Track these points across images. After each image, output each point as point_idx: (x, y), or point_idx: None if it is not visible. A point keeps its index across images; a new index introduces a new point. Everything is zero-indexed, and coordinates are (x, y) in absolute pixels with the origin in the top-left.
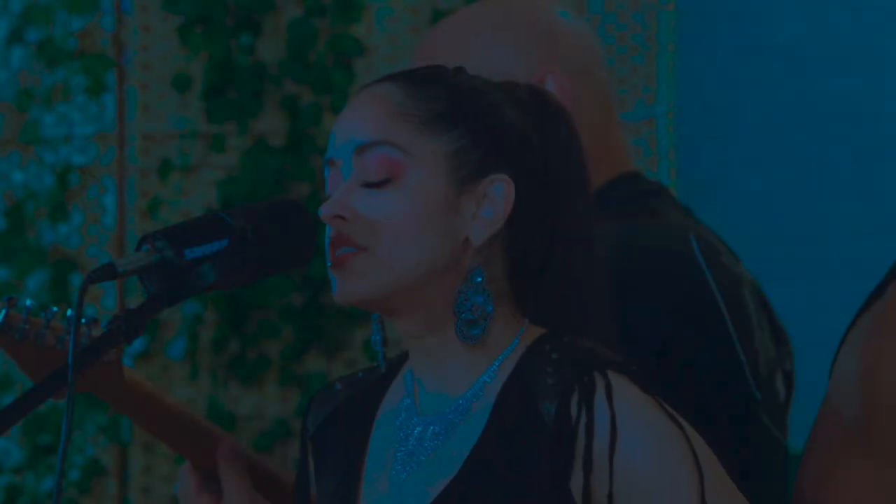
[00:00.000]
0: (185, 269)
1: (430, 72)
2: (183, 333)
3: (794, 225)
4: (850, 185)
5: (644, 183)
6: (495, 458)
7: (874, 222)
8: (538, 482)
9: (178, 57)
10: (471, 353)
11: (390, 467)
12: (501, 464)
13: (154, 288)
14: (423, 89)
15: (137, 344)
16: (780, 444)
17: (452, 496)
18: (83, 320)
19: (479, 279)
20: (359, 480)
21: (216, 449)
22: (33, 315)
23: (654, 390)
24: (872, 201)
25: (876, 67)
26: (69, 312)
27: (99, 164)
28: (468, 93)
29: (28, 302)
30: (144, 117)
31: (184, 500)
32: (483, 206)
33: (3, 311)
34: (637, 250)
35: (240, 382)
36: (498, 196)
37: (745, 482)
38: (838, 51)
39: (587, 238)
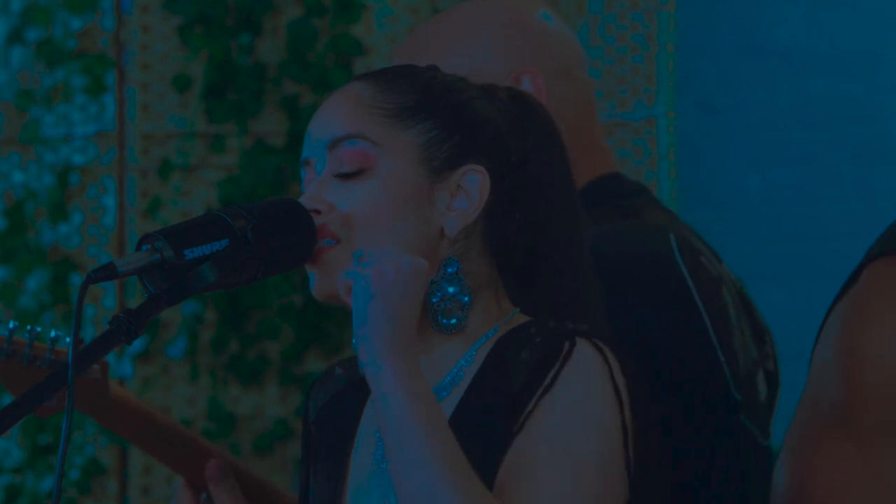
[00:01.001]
0: (185, 269)
1: (401, 69)
2: (183, 333)
3: (794, 225)
4: (849, 185)
5: (625, 184)
6: (464, 436)
7: (873, 222)
8: (500, 454)
9: (178, 57)
10: (449, 342)
11: (373, 455)
12: (469, 441)
13: (154, 288)
14: (393, 84)
15: (137, 344)
16: (761, 444)
17: None
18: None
19: (452, 270)
20: (346, 468)
21: (205, 463)
22: (17, 335)
23: (625, 365)
24: (872, 201)
25: (875, 67)
26: (52, 333)
27: (99, 164)
28: (440, 87)
29: (11, 324)
30: (144, 117)
31: None
32: (457, 197)
33: None
34: (616, 250)
35: (240, 382)
36: (472, 187)
37: (725, 480)
38: (838, 51)
39: (574, 235)
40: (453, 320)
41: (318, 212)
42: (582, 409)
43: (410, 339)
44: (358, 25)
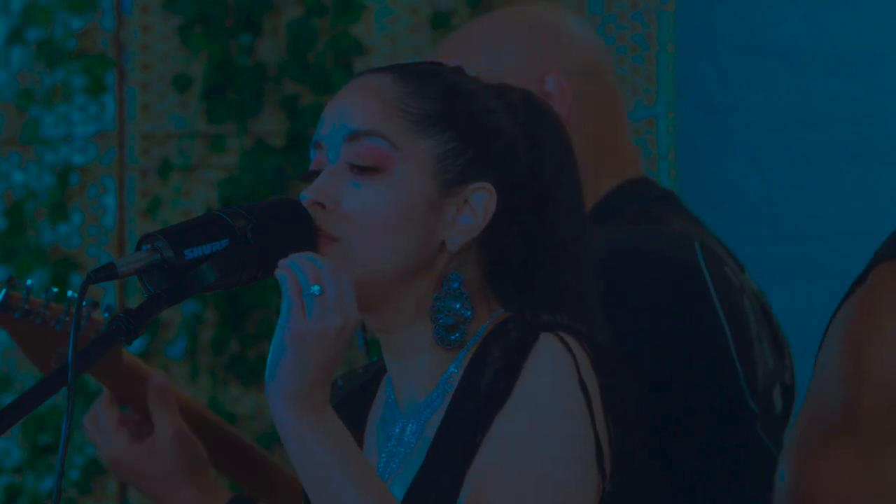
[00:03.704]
0: (185, 269)
1: (428, 69)
2: (183, 333)
3: (794, 225)
4: (849, 185)
5: (653, 189)
6: (448, 442)
7: (874, 222)
8: (471, 454)
9: (178, 57)
10: (439, 349)
11: (377, 467)
12: (452, 446)
13: (154, 288)
14: (419, 85)
15: (137, 344)
16: (773, 456)
17: (414, 491)
18: (84, 303)
19: (456, 284)
20: None
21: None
22: (34, 295)
23: (603, 362)
24: (872, 201)
25: (875, 67)
26: (69, 293)
27: (99, 164)
28: (463, 95)
29: (28, 282)
30: (144, 117)
31: (96, 434)
32: (463, 213)
33: (4, 291)
34: (640, 254)
35: (240, 382)
36: (479, 205)
37: (736, 491)
38: (838, 51)
39: (580, 238)
40: (457, 335)
41: (322, 206)
42: (542, 414)
43: (320, 394)
44: (358, 25)
